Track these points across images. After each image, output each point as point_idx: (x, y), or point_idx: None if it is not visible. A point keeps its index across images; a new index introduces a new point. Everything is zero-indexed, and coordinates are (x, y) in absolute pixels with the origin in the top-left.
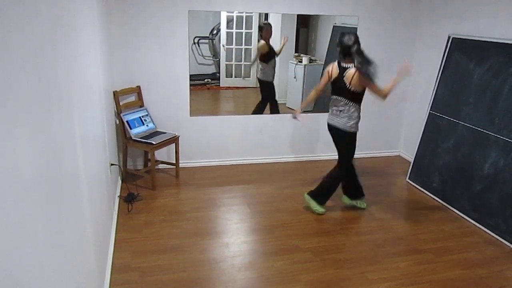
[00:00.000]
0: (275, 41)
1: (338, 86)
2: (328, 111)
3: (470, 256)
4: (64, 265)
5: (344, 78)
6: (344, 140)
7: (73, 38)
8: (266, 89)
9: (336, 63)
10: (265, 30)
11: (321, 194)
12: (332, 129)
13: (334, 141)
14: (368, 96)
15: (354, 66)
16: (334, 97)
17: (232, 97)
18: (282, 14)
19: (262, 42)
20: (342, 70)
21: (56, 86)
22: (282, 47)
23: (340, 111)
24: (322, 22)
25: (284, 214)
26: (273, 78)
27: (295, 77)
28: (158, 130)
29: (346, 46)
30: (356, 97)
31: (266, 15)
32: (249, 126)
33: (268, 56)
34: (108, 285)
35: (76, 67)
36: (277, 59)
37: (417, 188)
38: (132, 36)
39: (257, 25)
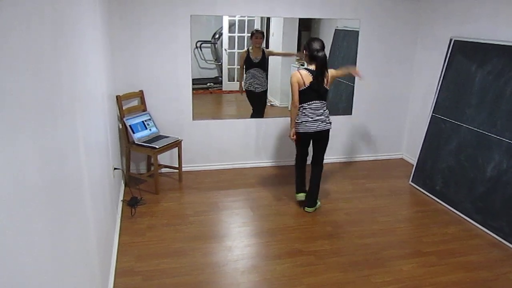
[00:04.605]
0: (276, 46)
1: (316, 90)
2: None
3: (473, 258)
4: (67, 269)
5: (324, 80)
6: (328, 138)
7: (76, 43)
8: (249, 99)
9: (303, 71)
10: (253, 37)
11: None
12: (320, 135)
13: (319, 144)
14: (368, 98)
15: (318, 67)
16: (313, 103)
17: (235, 101)
18: (284, 18)
19: (245, 49)
20: (318, 73)
21: (59, 91)
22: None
23: (323, 114)
24: (324, 25)
25: (287, 218)
26: (255, 88)
27: None
28: (161, 134)
29: (314, 50)
30: (327, 95)
31: (268, 19)
32: (251, 129)
33: (247, 64)
34: None
35: (79, 72)
36: (277, 67)
37: (420, 191)
38: (134, 41)
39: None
